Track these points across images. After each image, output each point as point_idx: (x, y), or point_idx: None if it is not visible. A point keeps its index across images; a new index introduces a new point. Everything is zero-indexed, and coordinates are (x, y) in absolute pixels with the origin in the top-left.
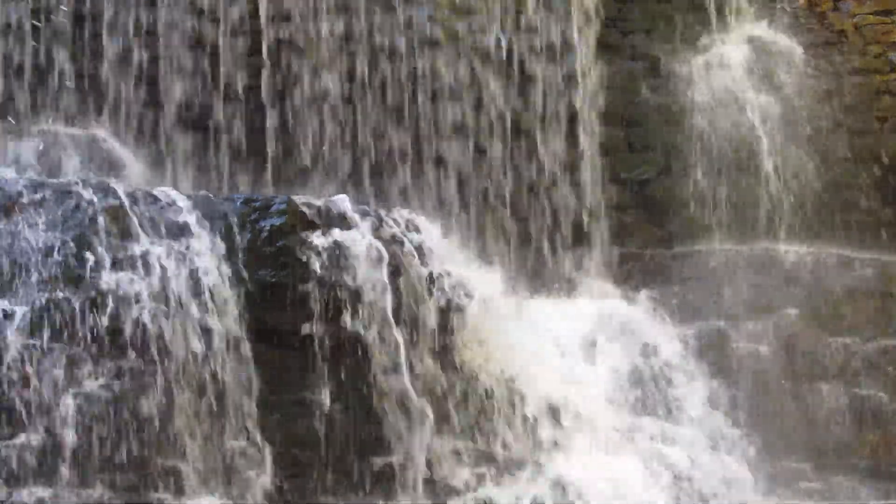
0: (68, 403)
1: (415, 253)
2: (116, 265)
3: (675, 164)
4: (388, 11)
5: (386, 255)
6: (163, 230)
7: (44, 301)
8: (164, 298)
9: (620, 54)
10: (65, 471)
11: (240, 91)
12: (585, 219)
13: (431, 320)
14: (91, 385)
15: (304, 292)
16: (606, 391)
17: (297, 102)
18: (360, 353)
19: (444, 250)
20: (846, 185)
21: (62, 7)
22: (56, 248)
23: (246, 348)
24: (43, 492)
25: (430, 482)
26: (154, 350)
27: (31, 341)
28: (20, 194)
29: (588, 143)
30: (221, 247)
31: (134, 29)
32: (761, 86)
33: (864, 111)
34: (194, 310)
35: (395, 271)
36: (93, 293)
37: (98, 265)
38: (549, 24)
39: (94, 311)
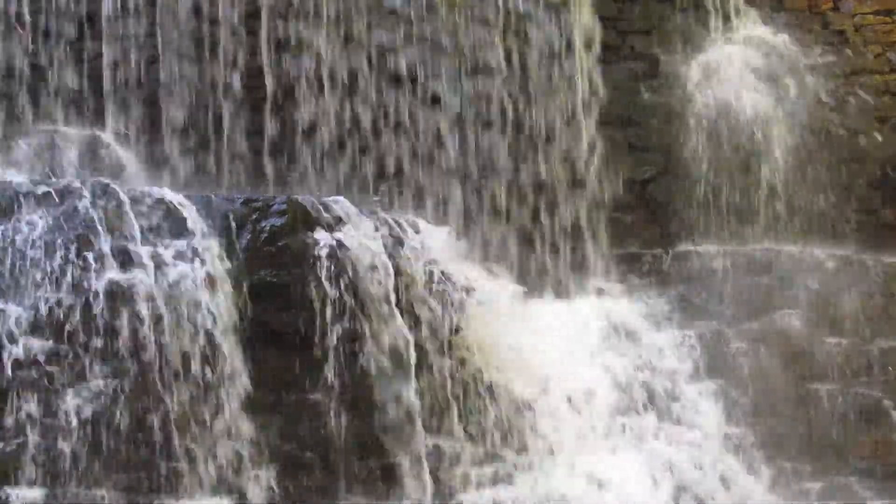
0: (68, 404)
1: (415, 253)
2: (116, 265)
3: (675, 164)
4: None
5: (386, 256)
6: (163, 230)
7: (44, 301)
8: (164, 299)
9: (620, 54)
10: (64, 471)
11: (239, 91)
12: (585, 219)
13: (432, 321)
14: (91, 386)
15: (305, 292)
16: (607, 391)
17: (298, 101)
18: (360, 353)
19: (444, 251)
20: (846, 186)
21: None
22: (56, 248)
23: (246, 348)
24: (43, 492)
25: (430, 483)
26: (154, 350)
27: (32, 342)
28: (21, 194)
29: (588, 143)
30: (221, 247)
31: (133, 29)
32: (761, 86)
33: (864, 111)
34: (194, 310)
35: (396, 272)
36: (93, 293)
37: (98, 265)
38: (550, 25)
39: (94, 311)
